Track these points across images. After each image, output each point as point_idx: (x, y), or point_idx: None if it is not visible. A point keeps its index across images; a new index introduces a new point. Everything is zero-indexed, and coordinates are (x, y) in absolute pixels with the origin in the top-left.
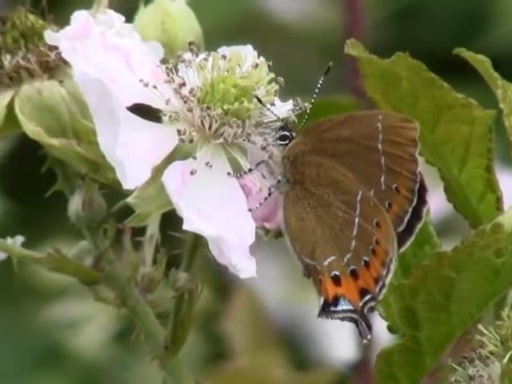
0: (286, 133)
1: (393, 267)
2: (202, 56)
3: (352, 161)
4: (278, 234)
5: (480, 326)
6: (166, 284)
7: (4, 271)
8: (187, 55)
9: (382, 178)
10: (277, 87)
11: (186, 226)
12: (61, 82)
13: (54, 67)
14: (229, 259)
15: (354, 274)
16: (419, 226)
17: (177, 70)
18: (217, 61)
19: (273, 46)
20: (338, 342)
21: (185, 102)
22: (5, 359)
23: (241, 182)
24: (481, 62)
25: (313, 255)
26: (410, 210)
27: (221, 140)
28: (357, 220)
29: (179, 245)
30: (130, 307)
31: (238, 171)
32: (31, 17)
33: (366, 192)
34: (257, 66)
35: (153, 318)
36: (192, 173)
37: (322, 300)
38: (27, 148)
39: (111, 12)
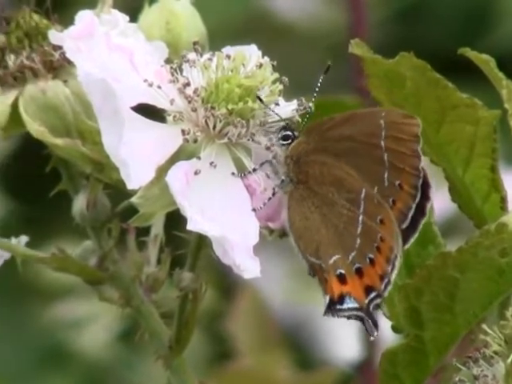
0: (289, 133)
1: (398, 264)
2: (207, 56)
3: (355, 159)
4: (283, 234)
5: (484, 326)
6: (170, 284)
7: (8, 271)
8: (192, 55)
9: (386, 175)
10: (281, 87)
11: (189, 226)
12: (65, 81)
13: (59, 67)
14: (233, 259)
15: (359, 272)
16: (423, 221)
17: (181, 70)
18: (221, 61)
19: (277, 45)
20: (343, 341)
21: (189, 102)
22: (9, 359)
23: (245, 182)
24: (485, 61)
25: (318, 254)
26: (414, 206)
27: (225, 140)
28: (361, 218)
29: (183, 245)
30: (135, 307)
31: (242, 171)
32: (35, 16)
33: (369, 190)
34: (261, 65)
35: (157, 317)
36: (196, 173)
37: (327, 298)
38: (31, 148)
39: (115, 12)
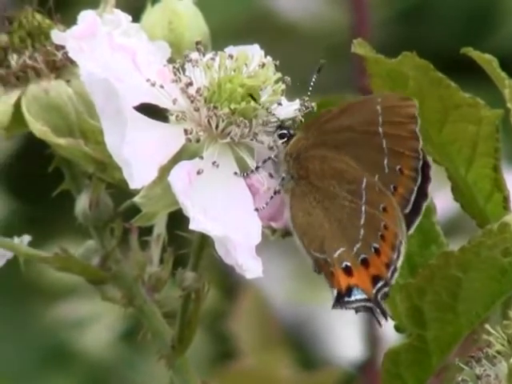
0: (284, 131)
1: (403, 250)
2: (209, 55)
3: (354, 149)
4: (285, 234)
5: (487, 326)
6: (172, 283)
7: (11, 271)
8: (194, 55)
9: (385, 162)
10: (284, 87)
11: (192, 226)
12: (68, 81)
13: (61, 67)
14: (235, 259)
15: (364, 263)
16: (425, 204)
17: (184, 70)
18: (224, 60)
19: (280, 45)
20: (345, 341)
21: (192, 102)
22: (12, 358)
23: (247, 181)
24: (488, 61)
25: (322, 248)
26: (416, 188)
27: (228, 139)
28: (363, 208)
29: (186, 244)
30: (137, 306)
31: (244, 171)
32: (38, 16)
33: (370, 178)
34: (264, 65)
35: (160, 317)
36: (199, 172)
37: (335, 292)
38: (34, 147)
39: (118, 12)
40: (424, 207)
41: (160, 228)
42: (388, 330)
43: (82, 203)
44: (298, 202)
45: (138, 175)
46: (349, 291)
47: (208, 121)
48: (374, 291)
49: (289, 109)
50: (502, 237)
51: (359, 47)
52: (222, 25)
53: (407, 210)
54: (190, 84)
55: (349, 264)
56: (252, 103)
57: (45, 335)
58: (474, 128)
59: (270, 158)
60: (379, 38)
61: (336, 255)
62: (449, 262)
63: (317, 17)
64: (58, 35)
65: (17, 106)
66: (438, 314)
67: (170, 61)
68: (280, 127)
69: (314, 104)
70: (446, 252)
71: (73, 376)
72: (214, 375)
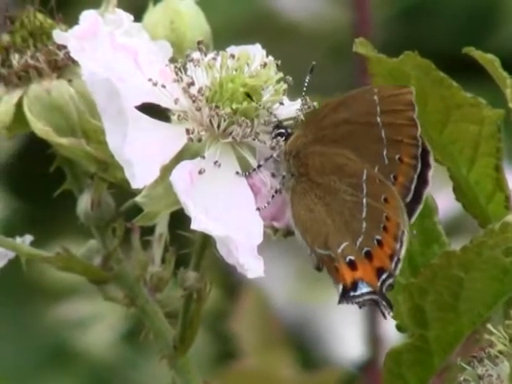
0: (282, 130)
1: (406, 239)
2: (211, 55)
3: (353, 141)
4: (287, 234)
5: (489, 326)
6: (174, 283)
7: (13, 270)
8: (196, 54)
9: (385, 152)
10: (285, 86)
11: (193, 226)
12: (69, 81)
13: (63, 66)
14: (237, 259)
15: (368, 256)
16: (427, 192)
17: (185, 70)
18: (225, 60)
19: (281, 45)
20: (347, 341)
21: (193, 102)
22: (14, 359)
23: (249, 181)
24: (490, 61)
25: (326, 245)
26: (416, 176)
27: (229, 139)
28: (365, 200)
29: (188, 244)
30: (139, 306)
31: (246, 170)
32: (40, 16)
33: (370, 170)
34: (265, 65)
35: (162, 317)
36: (200, 172)
37: (340, 287)
38: (36, 147)
39: (120, 11)
40: (425, 195)
41: (162, 228)
42: (390, 329)
43: (84, 203)
44: (300, 200)
45: (140, 175)
46: (354, 285)
47: (210, 120)
48: (379, 283)
49: (290, 108)
50: (504, 236)
51: (361, 47)
52: (224, 24)
53: (408, 199)
54: (192, 84)
55: (353, 258)
56: (254, 103)
57: (47, 335)
58: (475, 128)
59: (271, 157)
60: (381, 38)
61: (340, 250)
62: (451, 262)
63: (318, 16)
64: (59, 35)
65: (18, 105)
66: (440, 314)
67: (172, 60)
68: (277, 126)
69: (315, 103)
70: (447, 252)
71: (75, 376)
72: (215, 375)
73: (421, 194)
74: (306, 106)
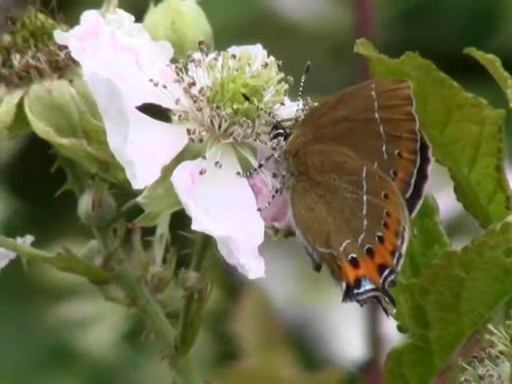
0: (280, 130)
1: (407, 235)
2: (212, 55)
3: (352, 138)
4: (288, 234)
5: (490, 326)
6: (175, 283)
7: (14, 271)
8: (197, 55)
9: (384, 147)
10: (286, 87)
11: (194, 226)
12: (70, 81)
13: (64, 67)
14: (237, 259)
15: (370, 253)
16: (426, 186)
17: (186, 70)
18: (226, 60)
19: (282, 45)
20: (348, 341)
21: (194, 102)
22: (15, 359)
23: (250, 181)
24: (491, 61)
25: (327, 243)
26: (415, 171)
27: (230, 139)
28: (365, 197)
29: (189, 244)
30: (140, 307)
31: (247, 171)
32: (41, 16)
33: (370, 167)
34: (266, 65)
35: (163, 317)
36: (201, 172)
37: (343, 285)
38: (37, 147)
39: (121, 11)
40: (425, 189)
41: (163, 228)
42: (391, 330)
43: (85, 203)
44: (300, 199)
45: (141, 175)
46: (357, 283)
47: (211, 121)
48: (381, 280)
49: (292, 109)
50: (505, 237)
51: (362, 47)
52: (225, 25)
53: (408, 195)
54: (193, 84)
55: (355, 256)
56: (255, 103)
57: (48, 335)
58: (476, 128)
59: (272, 156)
60: (382, 38)
61: (341, 248)
62: (452, 262)
63: (319, 17)
64: (60, 35)
65: (19, 105)
66: (441, 314)
67: (173, 61)
68: (276, 127)
69: (316, 104)
70: (448, 252)
71: (76, 376)
72: (216, 375)
73: (421, 188)
74: (307, 107)
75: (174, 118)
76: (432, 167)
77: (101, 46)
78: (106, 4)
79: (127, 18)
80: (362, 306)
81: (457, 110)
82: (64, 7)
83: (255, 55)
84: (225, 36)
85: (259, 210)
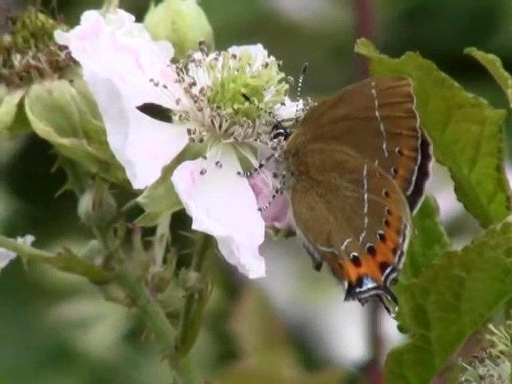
0: (280, 130)
1: (408, 233)
2: (212, 55)
3: (352, 137)
4: (288, 234)
5: (490, 326)
6: (176, 283)
7: (14, 271)
8: (197, 55)
9: (384, 145)
10: (287, 87)
11: (195, 226)
12: (71, 81)
13: (64, 67)
14: (238, 259)
15: (371, 251)
16: (427, 184)
17: (187, 70)
18: (227, 60)
19: (283, 45)
20: (348, 341)
21: (195, 102)
22: (15, 359)
23: (251, 181)
24: (491, 61)
25: (328, 242)
26: (416, 168)
27: (231, 139)
28: (366, 196)
29: (189, 244)
30: (141, 307)
31: (248, 170)
32: (41, 16)
33: (371, 165)
34: (267, 65)
35: (163, 317)
36: (202, 172)
37: (345, 284)
38: (37, 147)
39: (121, 12)
40: (426, 186)
41: (163, 228)
42: (391, 330)
43: (85, 203)
44: (300, 198)
45: (142, 175)
46: (359, 281)
47: (211, 121)
48: (383, 278)
49: (292, 109)
50: (505, 237)
51: (362, 47)
52: (225, 25)
53: (409, 192)
54: (194, 84)
55: (356, 254)
56: (255, 103)
57: (48, 335)
58: (477, 128)
59: (272, 156)
60: (382, 38)
61: (343, 247)
62: (452, 262)
63: (320, 17)
64: (61, 35)
65: (20, 106)
66: (442, 314)
67: (174, 61)
68: (276, 127)
69: (317, 104)
70: (449, 252)
71: (76, 376)
72: (217, 375)
73: (422, 186)
74: (307, 107)
75: (175, 118)
76: (432, 167)
77: (101, 46)
78: (106, 4)
79: (128, 18)
80: (363, 304)
81: (457, 110)
82: (64, 7)
83: (256, 55)
84: (225, 36)
85: (260, 209)
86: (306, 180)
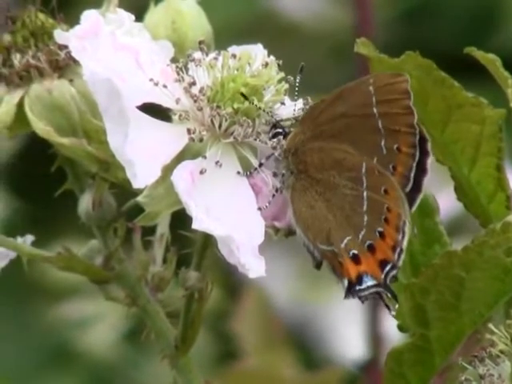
0: (279, 130)
1: (407, 230)
2: (212, 55)
3: (351, 134)
4: (288, 233)
5: (490, 325)
6: (176, 283)
7: (14, 270)
8: (197, 54)
9: (383, 142)
10: (287, 86)
11: (195, 226)
12: (71, 81)
13: (64, 66)
14: (238, 259)
15: (371, 249)
16: (426, 179)
17: (187, 69)
18: (227, 60)
19: (283, 45)
20: (348, 340)
21: (195, 101)
22: (15, 359)
23: (251, 180)
24: (491, 61)
25: (328, 240)
26: (415, 165)
27: (231, 139)
28: (365, 193)
29: (189, 244)
30: (141, 306)
31: (247, 170)
32: (41, 16)
33: (369, 162)
34: (267, 64)
35: (163, 317)
36: (202, 172)
37: (345, 282)
38: (37, 147)
39: (121, 11)
40: (425, 183)
41: (163, 227)
42: (391, 329)
43: (85, 203)
44: (300, 197)
45: (141, 175)
46: (359, 279)
47: (211, 120)
48: (383, 275)
49: (292, 108)
50: (505, 236)
51: (362, 47)
52: (225, 24)
53: (408, 189)
54: (193, 83)
55: (356, 252)
56: (255, 102)
57: (48, 335)
58: (477, 127)
59: (272, 155)
60: (383, 38)
61: (343, 245)
62: (452, 262)
63: (320, 16)
64: (61, 35)
65: (20, 105)
66: (442, 314)
67: (173, 60)
68: (274, 126)
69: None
70: (449, 251)
71: (76, 376)
72: (217, 375)
73: (420, 182)
74: (307, 107)
75: (175, 117)
76: (432, 166)
77: (101, 46)
78: (106, 3)
79: (127, 17)
80: (363, 302)
81: (457, 110)
82: (64, 7)
83: (255, 55)
84: (225, 36)
85: (260, 209)
86: (306, 179)
